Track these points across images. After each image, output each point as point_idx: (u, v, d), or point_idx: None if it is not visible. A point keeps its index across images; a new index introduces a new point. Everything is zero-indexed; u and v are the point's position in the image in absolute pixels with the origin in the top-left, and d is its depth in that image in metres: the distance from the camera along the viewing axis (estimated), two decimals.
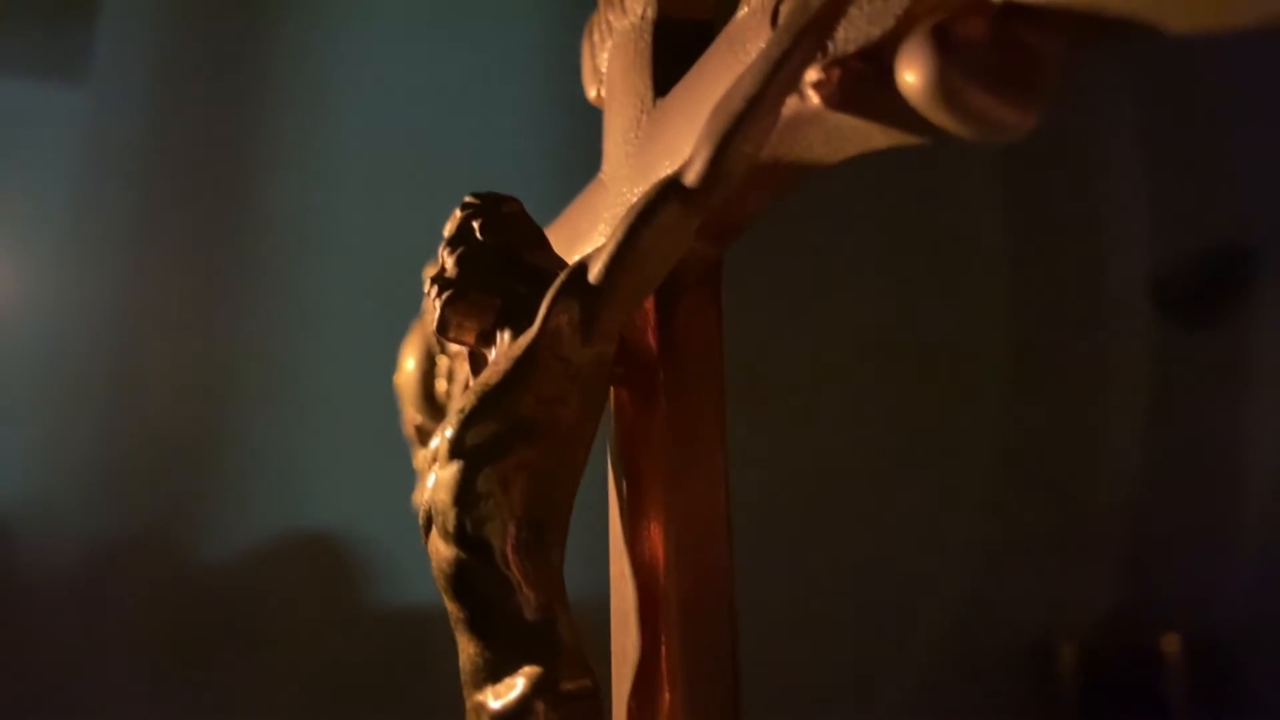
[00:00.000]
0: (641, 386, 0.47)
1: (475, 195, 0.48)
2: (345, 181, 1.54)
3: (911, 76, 0.30)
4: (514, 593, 0.40)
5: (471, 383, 0.49)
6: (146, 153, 1.52)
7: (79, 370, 1.44)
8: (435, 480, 0.42)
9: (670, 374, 0.46)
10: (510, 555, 0.40)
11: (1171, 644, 1.63)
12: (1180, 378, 1.76)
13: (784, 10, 0.37)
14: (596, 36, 0.55)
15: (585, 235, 0.53)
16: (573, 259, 0.54)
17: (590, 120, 0.57)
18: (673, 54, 0.48)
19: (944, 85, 0.29)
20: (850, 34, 0.34)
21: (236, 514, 1.45)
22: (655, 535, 0.44)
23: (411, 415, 0.73)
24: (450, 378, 0.70)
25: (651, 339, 0.47)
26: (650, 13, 0.49)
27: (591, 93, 0.56)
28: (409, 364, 0.74)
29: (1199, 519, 1.69)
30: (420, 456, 0.74)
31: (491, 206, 0.48)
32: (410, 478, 0.79)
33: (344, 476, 1.45)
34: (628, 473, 0.46)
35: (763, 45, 0.38)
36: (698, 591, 0.43)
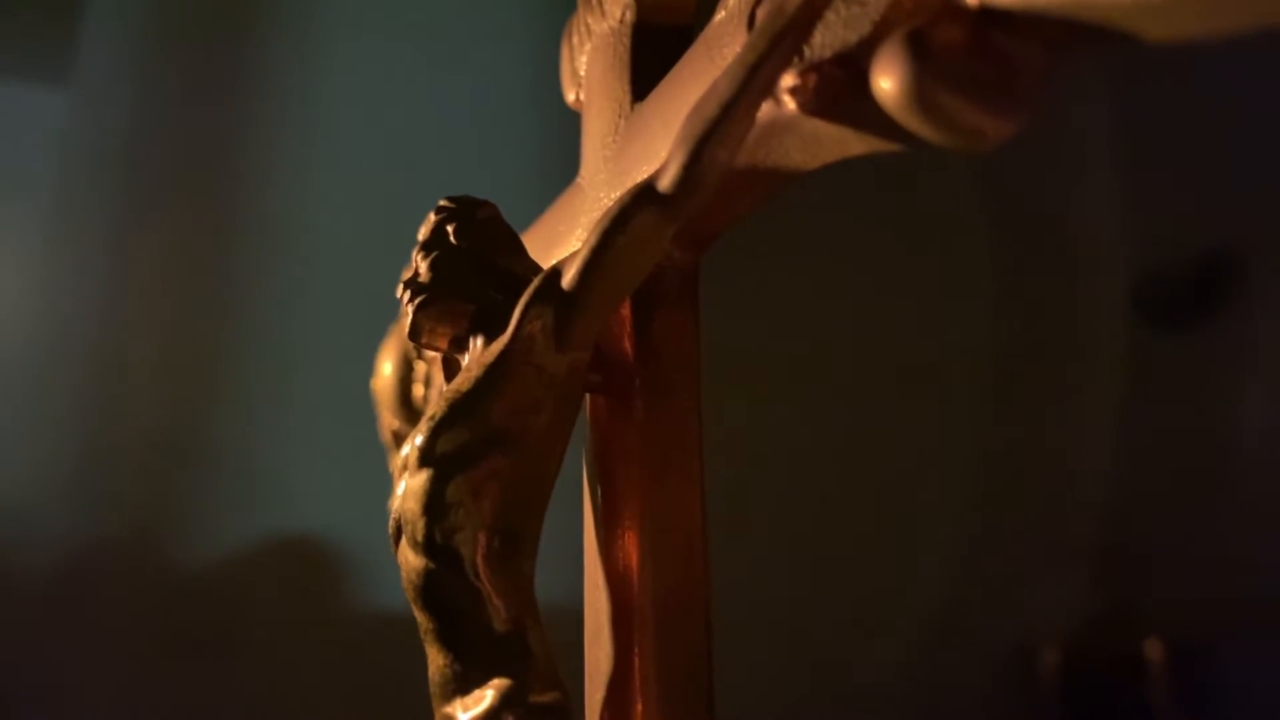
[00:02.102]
0: (617, 393, 0.46)
1: (450, 199, 0.48)
2: (327, 184, 1.54)
3: (886, 83, 0.29)
4: (484, 604, 0.39)
5: (445, 389, 0.48)
6: (130, 154, 1.51)
7: (60, 371, 1.44)
8: (405, 488, 0.41)
9: (646, 381, 0.46)
10: (480, 565, 0.39)
11: (1154, 649, 1.63)
12: (1162, 383, 1.76)
13: (760, 14, 0.36)
14: (575, 39, 0.54)
15: (563, 239, 0.53)
16: (549, 263, 0.53)
17: (569, 124, 0.56)
18: (651, 58, 0.47)
19: (919, 92, 0.28)
20: (826, 39, 0.33)
21: (218, 517, 1.44)
22: (630, 545, 0.43)
23: (388, 420, 0.72)
24: (428, 383, 0.69)
25: (628, 345, 0.46)
26: (629, 16, 0.48)
27: (570, 96, 0.55)
28: (386, 369, 0.73)
29: (1181, 524, 1.70)
30: (397, 463, 0.73)
31: (466, 211, 0.47)
32: (391, 481, 0.79)
33: (326, 479, 1.45)
34: (603, 481, 0.46)
35: (739, 50, 0.37)
36: (672, 603, 0.43)
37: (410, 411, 0.72)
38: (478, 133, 1.55)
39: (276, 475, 1.46)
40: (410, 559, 0.40)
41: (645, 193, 0.38)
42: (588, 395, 0.47)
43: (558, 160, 0.62)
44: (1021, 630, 1.68)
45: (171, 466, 1.44)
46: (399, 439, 0.73)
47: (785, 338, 1.61)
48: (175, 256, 1.50)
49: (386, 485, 0.84)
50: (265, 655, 1.39)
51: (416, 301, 0.45)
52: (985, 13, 0.28)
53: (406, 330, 0.46)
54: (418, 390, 0.71)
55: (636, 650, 0.43)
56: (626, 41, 0.48)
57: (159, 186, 1.51)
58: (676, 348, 0.47)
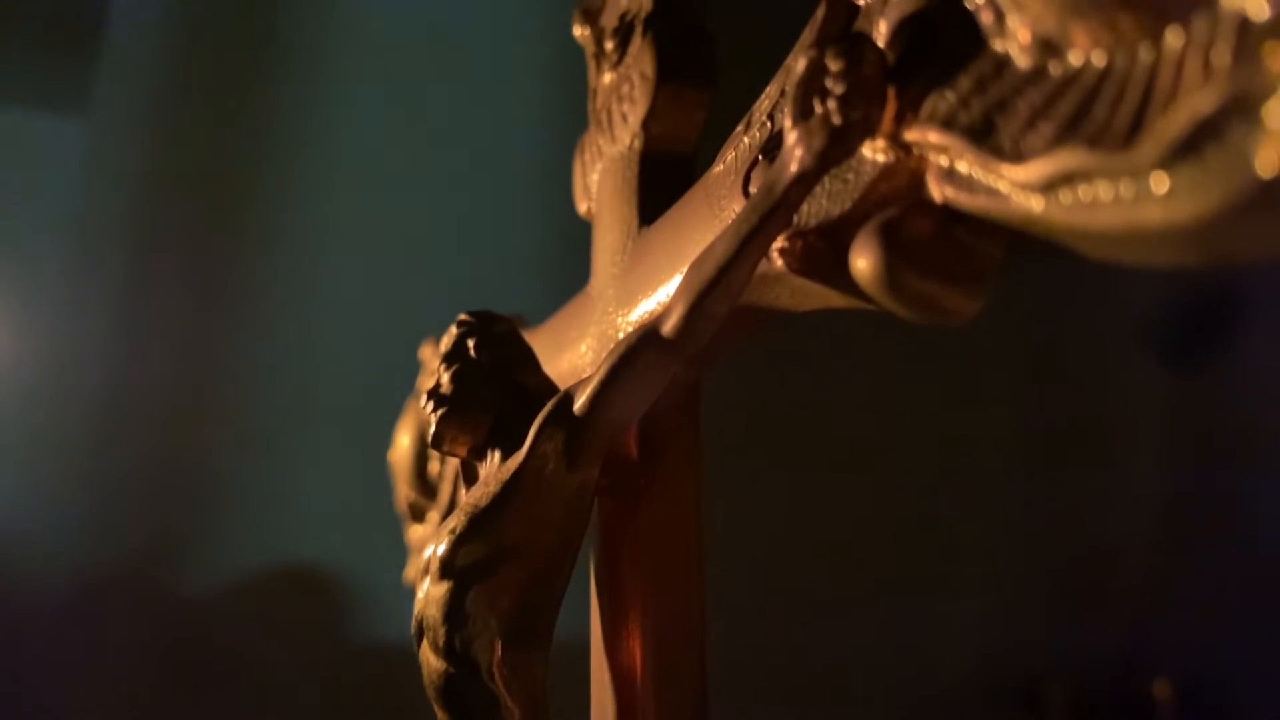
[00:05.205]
0: (624, 496, 0.50)
1: (470, 314, 0.51)
2: (341, 225, 1.56)
3: (862, 263, 0.33)
4: (499, 706, 0.43)
5: (463, 490, 0.52)
6: (144, 185, 1.53)
7: (70, 402, 1.46)
8: (426, 595, 0.45)
9: (651, 484, 0.49)
10: (496, 671, 0.43)
11: (1163, 690, 1.64)
12: (1175, 427, 1.79)
13: (754, 179, 0.40)
14: (588, 156, 0.58)
15: (572, 344, 0.56)
16: (558, 365, 0.57)
17: (579, 227, 0.60)
18: (657, 185, 0.51)
19: (889, 275, 0.32)
20: (812, 208, 0.37)
21: (224, 548, 1.46)
22: (634, 647, 0.47)
23: (405, 492, 0.76)
24: (443, 459, 0.73)
25: (634, 450, 0.50)
26: (638, 144, 0.52)
27: (582, 208, 0.59)
28: (404, 442, 0.77)
29: (1192, 565, 1.71)
30: (413, 534, 0.76)
31: (485, 326, 0.51)
32: (396, 515, 0.81)
33: (330, 512, 1.47)
34: (610, 583, 0.49)
35: (735, 207, 0.41)
36: (673, 700, 0.46)
37: (426, 484, 0.75)
38: (493, 226, 1.57)
39: (283, 508, 1.48)
40: (431, 661, 0.44)
41: (650, 336, 0.41)
42: (596, 498, 0.50)
43: (567, 261, 0.66)
44: (1031, 668, 1.69)
45: (180, 499, 1.46)
46: (414, 510, 0.76)
47: (808, 376, 1.63)
48: (188, 287, 1.52)
49: (392, 519, 0.87)
50: (269, 685, 1.40)
51: (440, 413, 0.48)
52: (949, 210, 0.32)
53: (429, 439, 0.49)
54: (433, 466, 0.74)
55: None
56: (635, 167, 0.52)
57: (173, 218, 1.54)
58: (679, 454, 0.50)
